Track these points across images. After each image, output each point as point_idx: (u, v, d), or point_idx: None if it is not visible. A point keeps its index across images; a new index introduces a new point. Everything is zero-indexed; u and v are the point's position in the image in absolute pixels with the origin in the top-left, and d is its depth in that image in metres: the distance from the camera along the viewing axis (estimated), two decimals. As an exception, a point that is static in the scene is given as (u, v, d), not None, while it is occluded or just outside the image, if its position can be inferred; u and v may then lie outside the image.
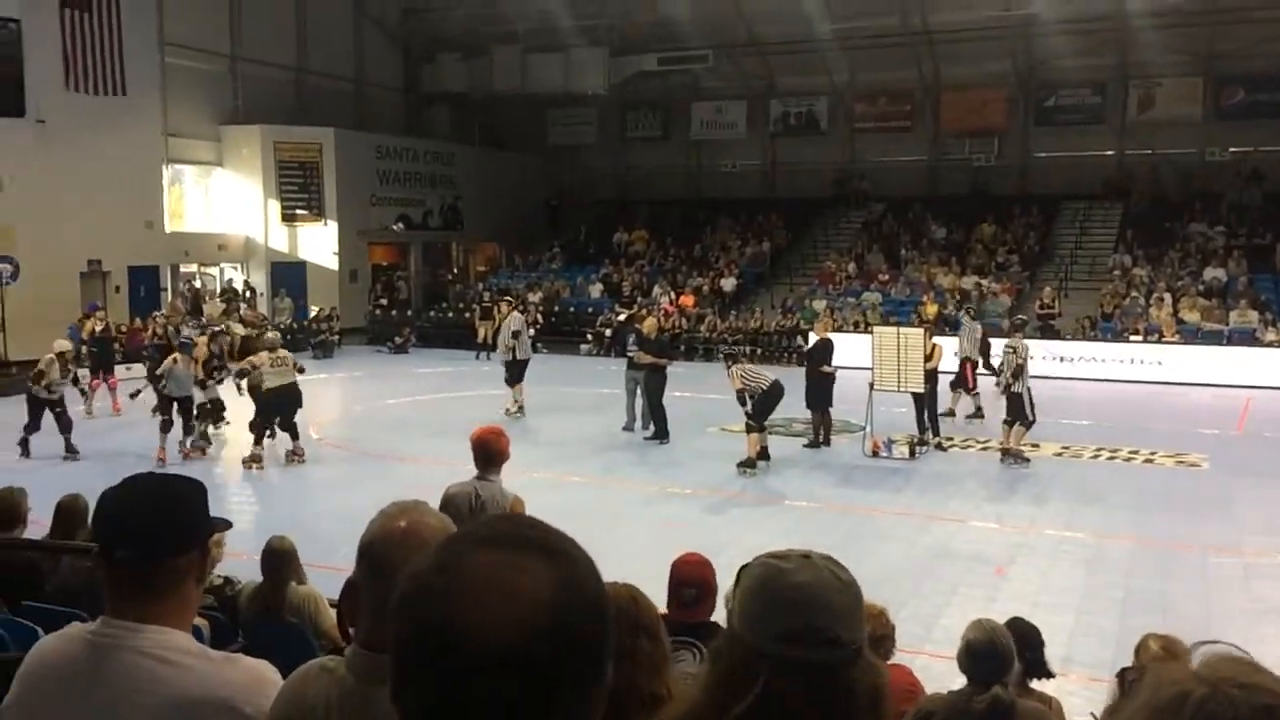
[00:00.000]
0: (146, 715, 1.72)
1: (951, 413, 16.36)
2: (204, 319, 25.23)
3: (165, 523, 1.79)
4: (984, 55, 29.19)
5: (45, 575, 5.29)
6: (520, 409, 16.70)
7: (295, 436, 13.63)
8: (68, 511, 5.70)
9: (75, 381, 13.62)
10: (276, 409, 13.49)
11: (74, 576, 5.09)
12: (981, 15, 27.21)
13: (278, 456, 13.77)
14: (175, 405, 13.63)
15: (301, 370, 13.89)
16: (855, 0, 27.37)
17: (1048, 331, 23.63)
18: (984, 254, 27.89)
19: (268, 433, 13.64)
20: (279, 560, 5.50)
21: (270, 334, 15.12)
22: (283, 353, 13.76)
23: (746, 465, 13.19)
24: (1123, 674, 3.83)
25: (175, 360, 13.90)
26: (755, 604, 1.38)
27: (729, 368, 13.91)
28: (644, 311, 23.87)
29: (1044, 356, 21.49)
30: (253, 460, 13.25)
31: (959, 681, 3.85)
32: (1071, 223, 29.14)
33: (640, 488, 12.63)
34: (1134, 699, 1.03)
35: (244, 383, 14.07)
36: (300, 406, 13.72)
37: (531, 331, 25.99)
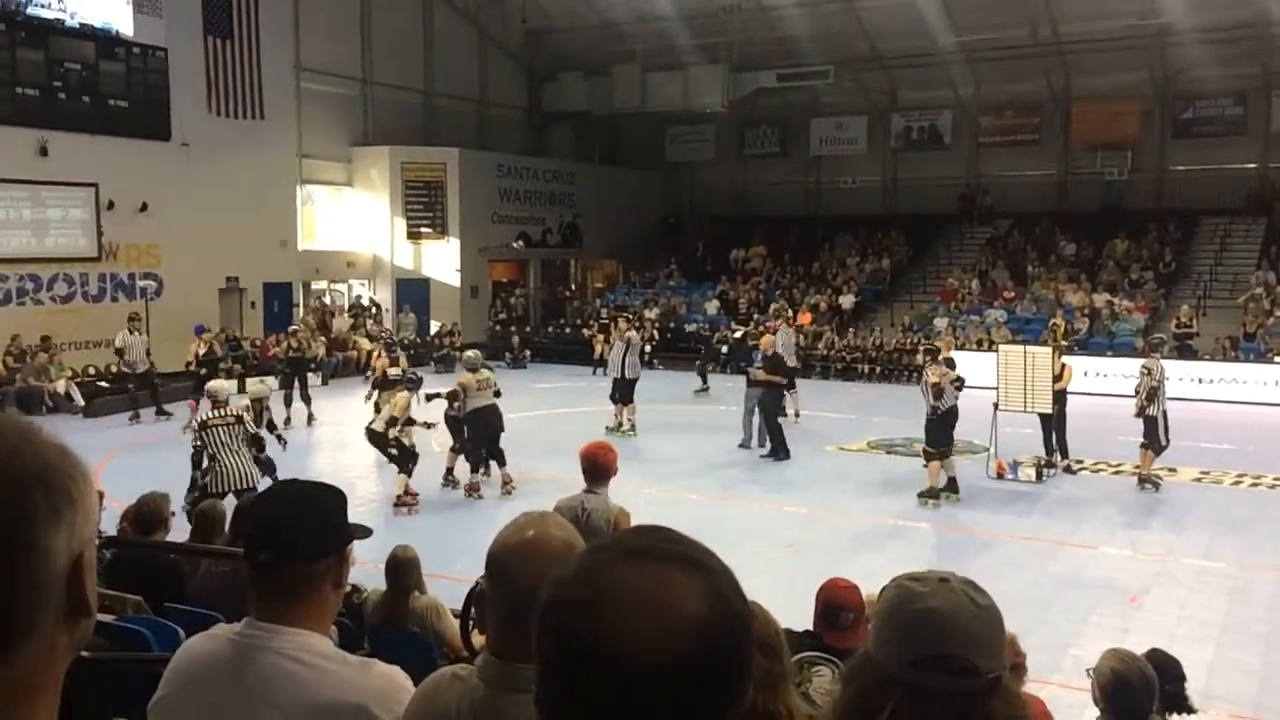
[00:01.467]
0: (284, 716, 1.78)
1: None
2: (333, 334, 26.14)
3: (305, 528, 1.86)
4: (1117, 65, 28.20)
5: (186, 578, 5.52)
6: (632, 427, 16.63)
7: (502, 463, 12.83)
8: (207, 517, 5.95)
9: (271, 428, 12.76)
10: (483, 431, 12.75)
11: (212, 580, 5.31)
12: (1115, 25, 26.33)
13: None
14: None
15: (498, 394, 13.15)
16: (981, 12, 26.80)
17: (1185, 352, 22.65)
18: (1116, 271, 26.92)
19: (478, 461, 12.94)
20: (403, 569, 5.63)
21: (470, 353, 13.90)
22: (485, 374, 13.06)
23: (929, 496, 12.24)
24: None
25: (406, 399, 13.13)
26: (888, 627, 1.35)
27: (929, 364, 12.84)
28: (761, 329, 23.79)
29: (1181, 378, 20.62)
30: (472, 489, 12.67)
31: (1089, 714, 3.70)
32: (1211, 238, 27.89)
33: (757, 506, 12.54)
34: None
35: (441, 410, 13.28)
36: (503, 429, 13.00)
37: (647, 349, 26.29)
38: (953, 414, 12.18)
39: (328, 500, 1.96)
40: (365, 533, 2.13)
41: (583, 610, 0.96)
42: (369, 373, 17.19)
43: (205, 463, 9.88)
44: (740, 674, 0.98)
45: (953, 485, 12.36)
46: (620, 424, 16.63)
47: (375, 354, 16.83)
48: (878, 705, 1.31)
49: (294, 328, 20.40)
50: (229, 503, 7.99)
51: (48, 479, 0.92)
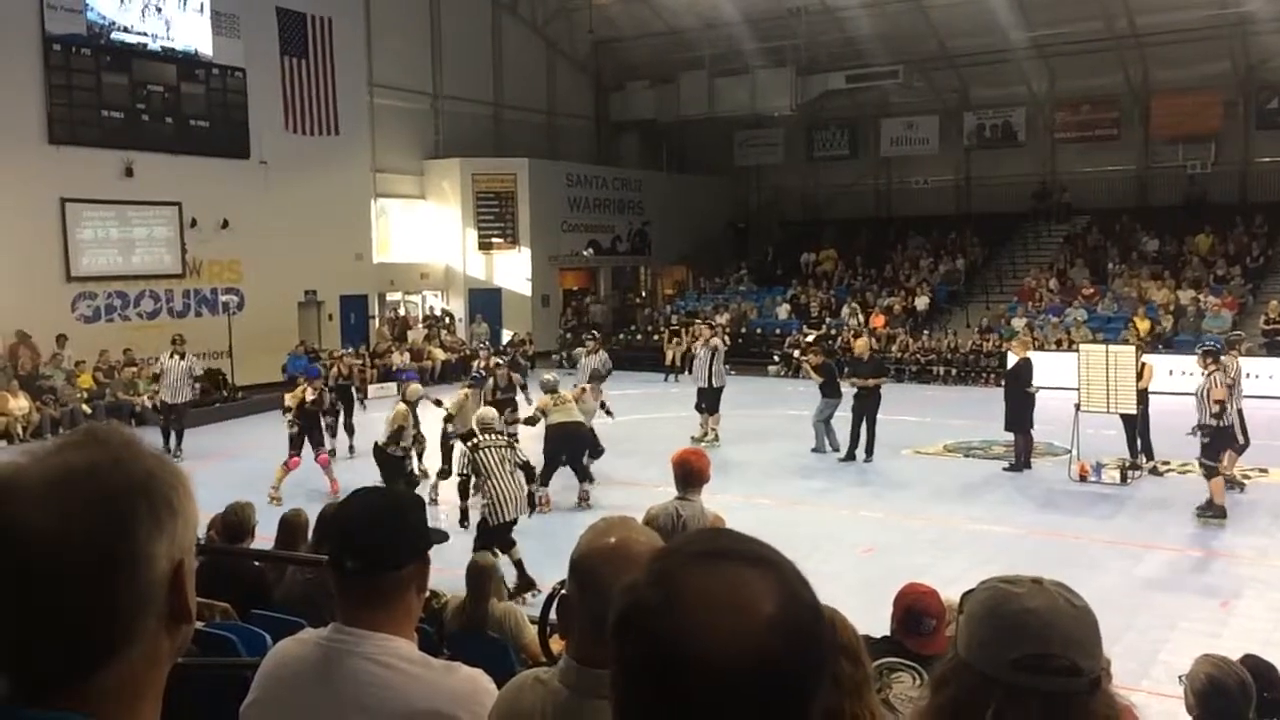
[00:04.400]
0: (371, 718, 1.81)
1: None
2: (409, 344, 26.54)
3: (389, 536, 1.90)
4: (1198, 57, 27.45)
5: (271, 585, 5.64)
6: (716, 437, 16.29)
7: (582, 479, 12.64)
8: (291, 525, 6.08)
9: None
10: (559, 446, 12.51)
11: (296, 587, 5.42)
12: (1194, 15, 25.65)
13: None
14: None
15: (610, 413, 13.20)
16: (1054, 6, 26.30)
17: (1274, 349, 21.94)
18: (1201, 267, 26.18)
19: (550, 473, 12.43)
20: (482, 577, 5.70)
21: (547, 376, 13.87)
22: (565, 393, 13.02)
23: (1212, 514, 11.28)
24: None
25: (467, 396, 13.28)
26: (985, 629, 1.33)
27: (1212, 369, 11.54)
28: (852, 335, 23.59)
29: (1271, 375, 20.00)
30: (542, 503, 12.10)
31: (1183, 721, 3.60)
32: (1300, 231, 26.99)
33: (832, 511, 12.43)
34: None
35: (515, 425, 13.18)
36: (589, 446, 12.94)
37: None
38: (1231, 429, 11.34)
39: (409, 506, 2.01)
40: (443, 538, 2.16)
41: (659, 613, 0.96)
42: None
43: (475, 489, 9.27)
44: (817, 669, 0.98)
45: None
46: (705, 433, 16.42)
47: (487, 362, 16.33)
48: (978, 707, 1.29)
49: (341, 352, 19.15)
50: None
51: (150, 488, 0.95)
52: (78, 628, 0.91)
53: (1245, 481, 12.81)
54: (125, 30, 21.69)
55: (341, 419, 15.95)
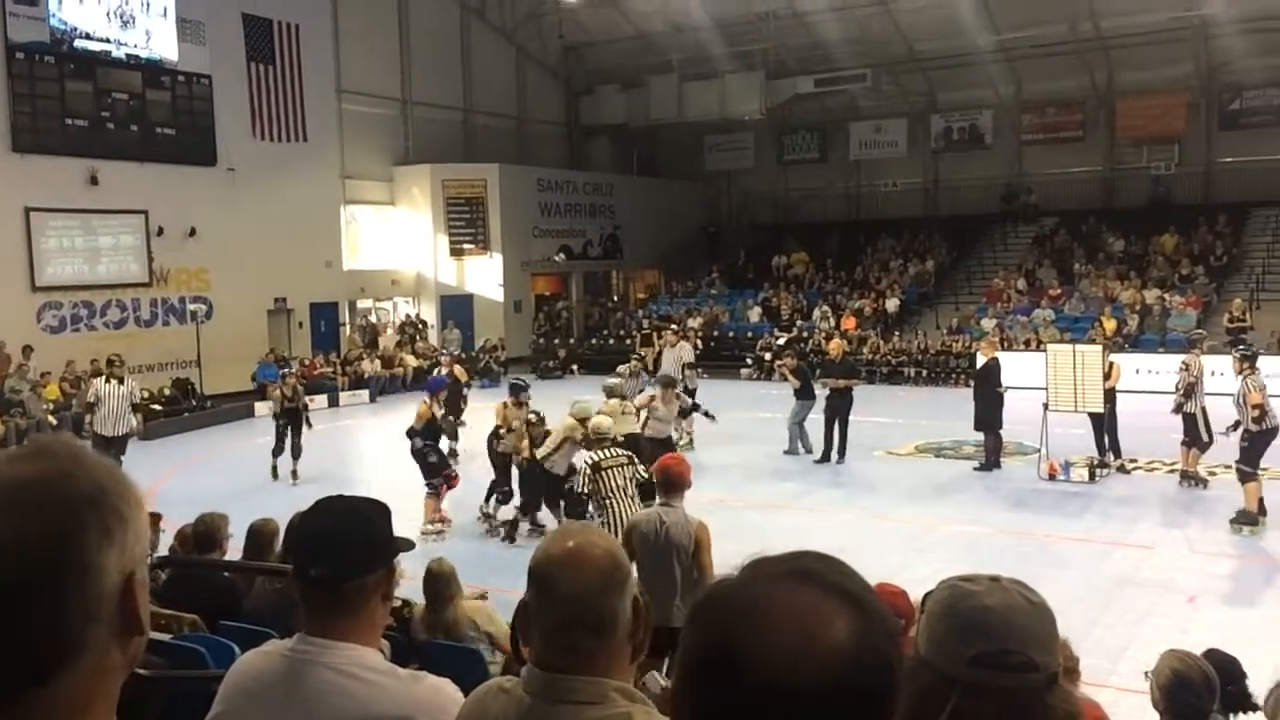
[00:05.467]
0: (337, 729, 1.80)
1: None
2: (380, 350, 26.42)
3: (354, 543, 1.90)
4: (1161, 59, 27.81)
5: (241, 596, 5.60)
6: (690, 441, 16.24)
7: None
8: (259, 535, 6.03)
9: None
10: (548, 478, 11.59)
11: (266, 598, 5.38)
12: (1158, 18, 25.99)
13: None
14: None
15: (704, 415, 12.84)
16: (1020, 10, 26.56)
17: (1239, 346, 22.20)
18: (1166, 266, 26.49)
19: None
20: (439, 582, 5.68)
21: (612, 381, 13.21)
22: (628, 404, 12.44)
23: (1245, 521, 10.92)
24: None
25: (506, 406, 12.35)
26: (943, 627, 1.34)
27: (1249, 374, 11.05)
28: (824, 337, 23.69)
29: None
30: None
31: (1149, 717, 3.64)
32: (1262, 230, 27.36)
33: (806, 512, 12.47)
34: None
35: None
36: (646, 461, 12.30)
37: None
38: (1273, 433, 10.90)
39: (375, 514, 1.99)
40: (409, 545, 2.15)
41: (731, 615, 0.98)
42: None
43: (596, 511, 8.53)
44: (874, 711, 0.97)
45: (1262, 508, 11.07)
46: (681, 437, 16.39)
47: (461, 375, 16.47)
48: (936, 705, 1.30)
49: (285, 371, 17.46)
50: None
51: (99, 500, 0.95)
52: (26, 639, 0.91)
53: (1209, 478, 12.96)
54: (89, 37, 21.49)
55: (290, 440, 14.70)
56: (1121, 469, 13.88)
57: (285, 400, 14.77)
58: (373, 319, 28.76)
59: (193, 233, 23.03)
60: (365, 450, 18.94)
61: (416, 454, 11.89)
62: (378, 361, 25.59)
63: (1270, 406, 11.16)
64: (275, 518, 7.17)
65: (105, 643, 0.95)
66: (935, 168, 32.59)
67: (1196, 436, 12.69)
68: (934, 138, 32.23)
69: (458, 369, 17.17)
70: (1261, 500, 11.01)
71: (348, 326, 27.58)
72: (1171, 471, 13.71)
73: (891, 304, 27.95)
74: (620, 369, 16.34)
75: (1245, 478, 10.99)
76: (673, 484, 5.93)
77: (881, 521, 11.94)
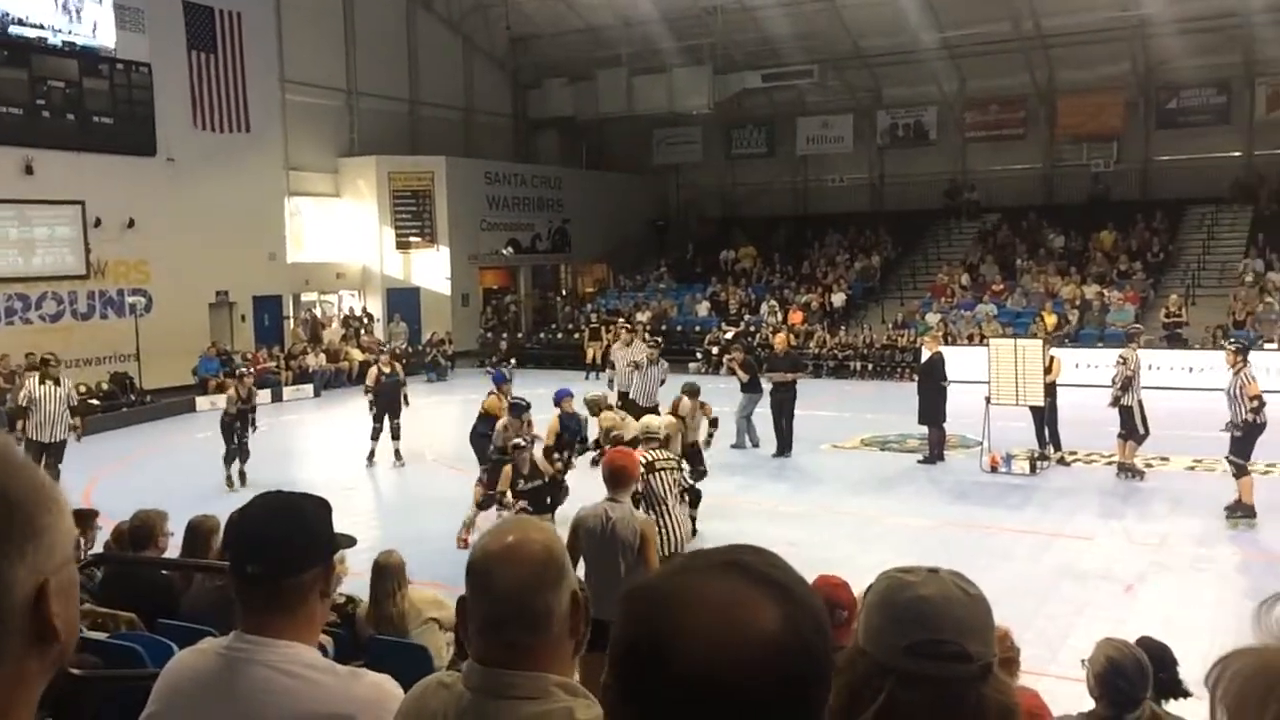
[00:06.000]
0: (275, 728, 1.77)
1: None
2: (325, 344, 26.12)
3: (291, 539, 1.87)
4: (1100, 58, 28.33)
5: (179, 594, 5.50)
6: None
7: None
8: (197, 530, 5.92)
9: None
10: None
11: (205, 595, 5.29)
12: (1097, 17, 26.46)
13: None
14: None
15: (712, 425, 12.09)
16: (963, 8, 26.89)
17: (1175, 341, 22.73)
18: (1105, 262, 27.01)
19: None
20: (382, 576, 5.64)
21: (691, 381, 12.84)
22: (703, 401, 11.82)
23: (1243, 515, 10.88)
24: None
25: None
26: (879, 617, 1.36)
27: (1242, 368, 10.97)
28: (771, 331, 23.71)
29: (1171, 367, 20.68)
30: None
31: (1088, 705, 3.71)
32: (1198, 227, 28.00)
33: (754, 506, 12.54)
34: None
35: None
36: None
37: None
38: (1263, 427, 10.84)
39: (314, 510, 1.96)
40: (350, 542, 2.13)
41: (657, 606, 0.98)
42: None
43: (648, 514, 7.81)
44: (804, 698, 0.97)
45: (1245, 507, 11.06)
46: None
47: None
48: (870, 694, 1.31)
49: (242, 371, 15.87)
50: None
51: (7, 511, 0.92)
52: None
53: (1146, 470, 13.24)
54: (23, 24, 20.96)
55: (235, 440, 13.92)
56: (1061, 461, 14.13)
57: (240, 401, 14.06)
58: (317, 312, 28.42)
59: (131, 224, 22.57)
60: (310, 446, 18.73)
61: (475, 439, 12.14)
62: (322, 356, 25.30)
63: (1131, 393, 11.44)
64: (216, 514, 7.06)
65: (20, 652, 0.92)
66: (881, 163, 32.91)
67: (1133, 429, 12.94)
68: (880, 134, 32.54)
69: (395, 366, 16.52)
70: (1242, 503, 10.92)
71: (291, 320, 27.22)
72: (1109, 464, 13.98)
73: (838, 298, 28.19)
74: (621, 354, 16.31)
75: (1240, 471, 10.93)
76: (619, 479, 5.93)
77: (827, 514, 12.04)
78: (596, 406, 12.49)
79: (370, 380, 15.54)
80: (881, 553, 9.86)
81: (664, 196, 36.30)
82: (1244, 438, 10.92)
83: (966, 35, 28.06)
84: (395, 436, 15.09)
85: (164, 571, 5.84)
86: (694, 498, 8.79)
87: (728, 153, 34.96)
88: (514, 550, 1.63)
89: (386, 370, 15.46)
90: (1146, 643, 3.98)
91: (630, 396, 15.39)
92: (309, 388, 23.79)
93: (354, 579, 6.50)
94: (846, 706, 1.33)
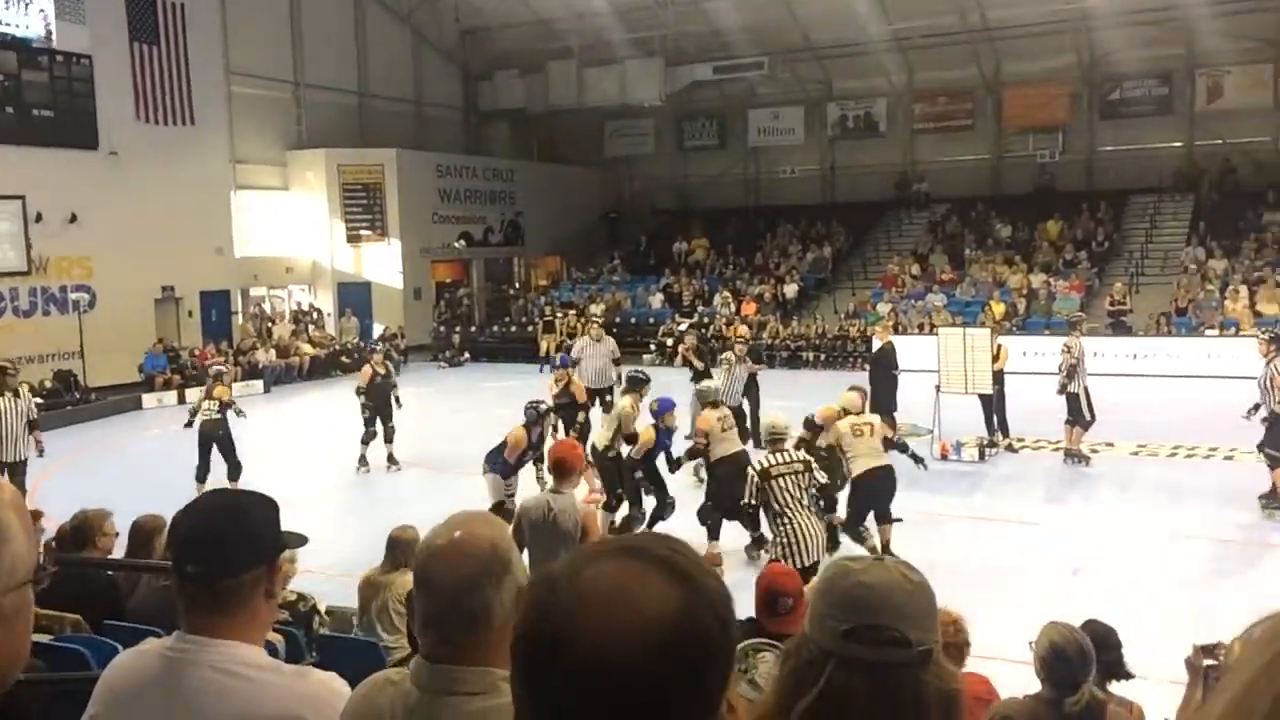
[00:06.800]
0: (220, 729, 1.75)
1: None
2: (275, 339, 25.81)
3: (232, 539, 1.83)
4: (1046, 50, 28.72)
5: (125, 595, 5.42)
6: None
7: (753, 526, 9.35)
8: (140, 530, 5.83)
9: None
10: (732, 487, 9.35)
11: (151, 596, 5.22)
12: (1042, 10, 26.80)
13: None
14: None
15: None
16: (911, 1, 27.12)
17: (1119, 328, 23.15)
18: (1051, 251, 27.42)
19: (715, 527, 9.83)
20: (396, 547, 5.78)
21: (708, 383, 11.83)
22: (725, 411, 10.49)
23: (1276, 504, 10.84)
24: (1207, 669, 3.72)
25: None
26: (822, 603, 1.38)
27: (1273, 355, 10.62)
28: (724, 323, 23.68)
29: (1116, 354, 21.05)
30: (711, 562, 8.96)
31: (1035, 688, 3.77)
32: (1141, 217, 28.51)
33: (703, 498, 12.56)
34: (1252, 658, 0.77)
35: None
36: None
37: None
38: None
39: (258, 509, 1.93)
40: (300, 541, 2.10)
41: (555, 593, 0.98)
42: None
43: (771, 525, 7.48)
44: (705, 684, 0.98)
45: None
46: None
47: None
48: (812, 679, 1.33)
49: (221, 372, 13.99)
50: None
51: None
52: None
53: (1091, 456, 13.48)
54: (-43, 14, 20.45)
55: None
56: (1010, 448, 14.34)
57: (224, 405, 12.71)
58: (266, 307, 28.06)
59: (74, 219, 22.11)
60: (260, 443, 18.47)
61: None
62: (272, 351, 25.00)
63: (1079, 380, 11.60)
64: (163, 514, 6.96)
65: None
66: (832, 155, 33.11)
67: (1080, 415, 13.18)
68: (830, 125, 32.75)
69: (389, 367, 15.60)
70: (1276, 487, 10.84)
71: (240, 315, 26.86)
72: (1057, 450, 14.22)
73: (790, 289, 28.35)
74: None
75: (1274, 462, 10.86)
76: (563, 471, 5.96)
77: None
78: (711, 397, 10.81)
79: (363, 380, 14.73)
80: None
81: (616, 189, 36.26)
82: (1272, 428, 10.82)
83: (914, 28, 28.30)
84: (388, 440, 14.46)
85: (108, 572, 5.74)
86: (829, 501, 8.07)
87: (679, 145, 34.99)
88: (455, 547, 1.62)
89: (381, 371, 14.70)
90: (1091, 626, 4.05)
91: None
92: (259, 384, 23.51)
93: (305, 576, 6.45)
94: (790, 691, 1.35)
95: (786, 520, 7.34)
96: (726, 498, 9.27)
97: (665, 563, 1.00)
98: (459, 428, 17.11)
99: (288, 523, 1.98)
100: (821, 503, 7.80)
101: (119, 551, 6.17)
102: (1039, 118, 30.04)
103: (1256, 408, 11.19)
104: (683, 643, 0.95)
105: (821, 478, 7.74)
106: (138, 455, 15.30)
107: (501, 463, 10.18)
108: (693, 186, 35.02)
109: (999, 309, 24.00)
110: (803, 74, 31.69)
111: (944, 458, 13.78)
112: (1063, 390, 13.29)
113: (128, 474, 13.99)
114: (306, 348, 25.75)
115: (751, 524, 7.90)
